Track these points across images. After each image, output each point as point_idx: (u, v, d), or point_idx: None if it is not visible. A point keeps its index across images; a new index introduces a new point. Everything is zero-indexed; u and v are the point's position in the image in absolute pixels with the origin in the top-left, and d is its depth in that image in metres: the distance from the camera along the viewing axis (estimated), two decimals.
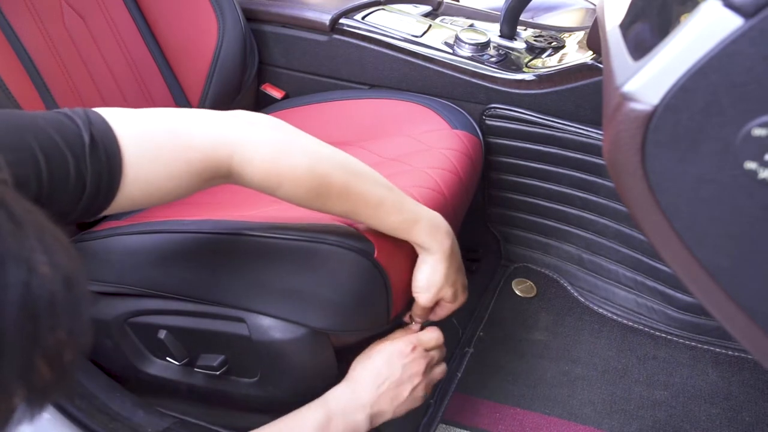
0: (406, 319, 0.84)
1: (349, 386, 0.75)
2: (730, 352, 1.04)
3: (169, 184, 0.59)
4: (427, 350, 0.80)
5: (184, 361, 0.83)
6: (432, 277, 0.77)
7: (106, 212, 0.58)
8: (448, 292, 0.79)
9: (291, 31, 1.21)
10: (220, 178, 0.63)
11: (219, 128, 0.62)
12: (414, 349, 0.78)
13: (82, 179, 0.53)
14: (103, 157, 0.54)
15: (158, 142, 0.58)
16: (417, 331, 0.81)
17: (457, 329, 1.11)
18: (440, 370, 0.82)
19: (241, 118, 0.65)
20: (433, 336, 0.81)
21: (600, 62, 0.97)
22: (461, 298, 0.82)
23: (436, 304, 0.82)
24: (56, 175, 0.51)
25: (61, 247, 0.34)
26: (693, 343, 1.07)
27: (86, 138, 0.53)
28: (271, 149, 0.63)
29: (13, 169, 0.48)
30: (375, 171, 0.72)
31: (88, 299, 0.35)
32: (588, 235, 1.13)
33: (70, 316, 0.33)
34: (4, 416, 0.31)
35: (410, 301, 0.83)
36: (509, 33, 1.15)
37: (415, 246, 0.76)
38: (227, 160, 0.62)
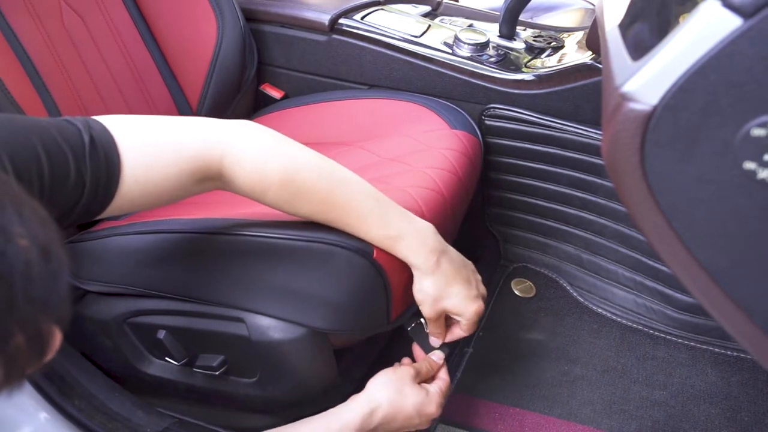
0: (433, 339, 0.82)
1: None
2: (729, 352, 1.04)
3: (165, 185, 0.61)
4: (425, 379, 0.79)
5: (183, 361, 0.83)
6: (421, 293, 0.76)
7: (104, 214, 0.59)
8: (449, 302, 0.76)
9: (290, 31, 1.21)
10: (211, 180, 0.65)
11: (211, 132, 0.65)
12: (411, 381, 0.76)
13: (81, 179, 0.54)
14: (102, 157, 0.56)
15: (154, 144, 0.60)
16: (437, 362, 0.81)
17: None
18: (434, 406, 0.77)
19: (232, 125, 0.67)
20: (423, 363, 0.80)
21: (599, 62, 0.97)
22: (471, 309, 0.77)
23: (451, 322, 0.81)
24: (57, 174, 0.52)
25: (39, 220, 0.34)
26: (692, 343, 1.07)
27: (86, 139, 0.55)
28: (259, 152, 0.66)
29: (18, 167, 0.49)
30: (364, 181, 0.72)
31: (65, 271, 0.35)
32: (587, 235, 1.13)
33: (46, 286, 0.33)
34: None
35: (412, 303, 0.83)
36: (508, 33, 1.15)
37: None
38: (218, 161, 0.64)
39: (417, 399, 0.75)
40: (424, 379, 0.80)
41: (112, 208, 0.59)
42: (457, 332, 0.81)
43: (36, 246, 0.33)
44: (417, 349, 0.84)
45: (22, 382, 0.35)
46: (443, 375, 0.82)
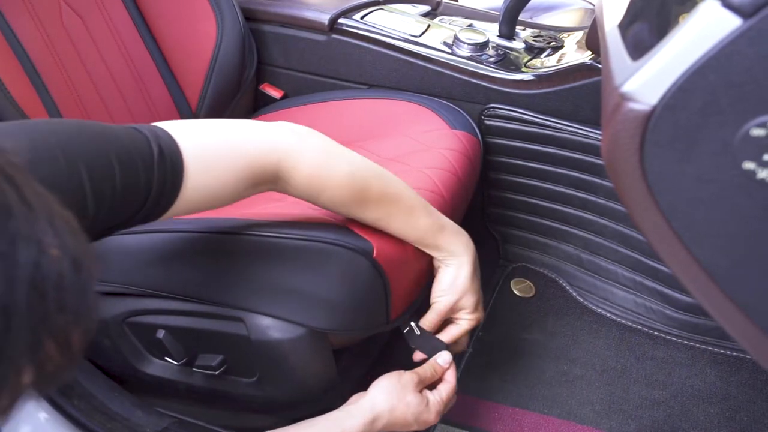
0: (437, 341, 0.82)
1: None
2: (728, 352, 1.04)
3: (223, 190, 0.63)
4: (429, 384, 0.79)
5: (183, 361, 0.83)
6: (456, 281, 0.77)
7: (166, 217, 0.60)
8: (469, 300, 0.79)
9: (290, 31, 1.21)
10: (267, 183, 0.67)
11: (268, 136, 0.66)
12: (414, 388, 0.76)
13: (148, 187, 0.56)
14: (169, 166, 0.57)
15: (215, 150, 0.62)
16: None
17: None
18: (433, 415, 0.77)
19: (287, 128, 0.68)
20: (426, 368, 0.79)
21: (599, 62, 0.97)
22: (479, 314, 0.82)
23: (450, 322, 0.81)
24: (128, 184, 0.54)
25: (71, 231, 0.35)
26: (691, 343, 1.07)
27: (155, 149, 0.56)
28: (316, 156, 0.68)
29: (94, 178, 0.51)
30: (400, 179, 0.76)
31: (95, 282, 0.36)
32: (587, 235, 1.13)
33: (77, 297, 0.34)
34: (13, 394, 0.32)
35: (412, 303, 0.83)
36: (508, 33, 1.15)
37: (436, 251, 0.78)
38: (275, 166, 0.65)
39: (418, 408, 0.75)
40: (428, 383, 0.79)
41: (175, 211, 0.60)
42: (455, 331, 0.81)
43: (68, 257, 0.34)
44: (417, 354, 0.83)
45: (53, 388, 0.36)
46: (450, 378, 0.81)
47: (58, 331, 0.33)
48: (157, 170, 0.56)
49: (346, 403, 0.75)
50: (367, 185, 0.71)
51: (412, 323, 0.81)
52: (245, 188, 0.65)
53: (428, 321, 0.80)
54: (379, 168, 0.74)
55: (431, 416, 0.76)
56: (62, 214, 0.35)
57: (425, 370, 0.79)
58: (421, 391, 0.77)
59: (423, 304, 0.83)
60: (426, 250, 0.78)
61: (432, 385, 0.80)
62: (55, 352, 0.33)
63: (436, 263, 0.80)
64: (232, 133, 0.64)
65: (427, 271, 0.81)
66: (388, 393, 0.74)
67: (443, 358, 0.81)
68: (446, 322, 0.82)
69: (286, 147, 0.66)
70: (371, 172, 0.72)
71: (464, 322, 0.81)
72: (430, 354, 0.81)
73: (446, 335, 0.82)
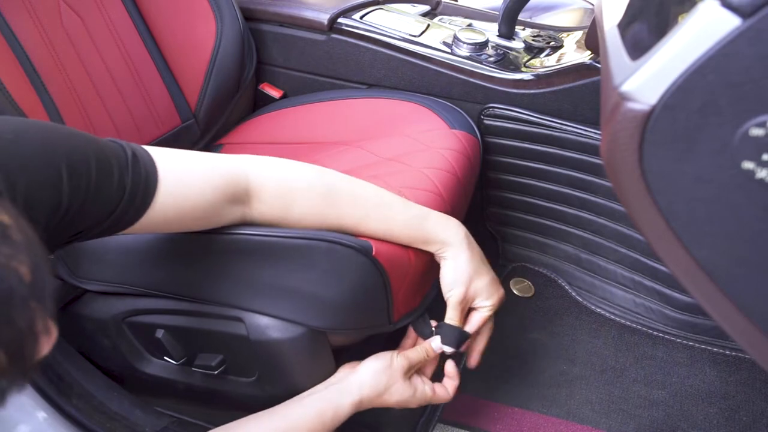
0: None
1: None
2: (727, 352, 1.05)
3: (200, 200, 0.65)
4: (415, 367, 0.79)
5: (182, 360, 0.83)
6: (457, 272, 0.77)
7: (136, 228, 0.61)
8: (479, 285, 0.78)
9: (289, 31, 1.21)
10: (239, 203, 0.69)
11: (236, 158, 0.70)
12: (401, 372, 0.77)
13: (122, 185, 0.57)
14: (142, 169, 0.59)
15: (188, 165, 0.65)
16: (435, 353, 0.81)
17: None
18: (415, 404, 0.80)
19: (252, 156, 0.73)
20: (419, 350, 0.80)
21: (598, 62, 0.97)
22: (497, 295, 0.81)
23: (471, 311, 0.81)
24: (102, 182, 0.56)
25: (24, 240, 0.35)
26: (690, 343, 1.07)
27: (129, 153, 0.59)
28: (281, 168, 0.72)
29: (70, 164, 0.52)
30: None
31: (50, 291, 0.36)
32: (586, 235, 1.13)
33: (28, 308, 0.34)
34: None
35: (418, 305, 0.83)
36: (507, 33, 1.15)
37: (430, 245, 0.77)
38: (245, 181, 0.68)
39: (402, 397, 0.77)
40: (418, 367, 0.80)
41: (145, 222, 0.61)
42: (477, 319, 0.81)
43: (20, 268, 0.33)
44: (410, 339, 0.84)
45: (5, 399, 0.36)
46: (451, 370, 0.83)
47: (9, 343, 0.33)
48: (131, 172, 0.58)
49: (336, 377, 0.78)
50: (335, 186, 0.72)
51: (432, 321, 0.81)
52: (221, 203, 0.66)
53: (450, 318, 0.80)
54: (342, 173, 0.75)
55: (413, 405, 0.79)
56: (18, 223, 0.35)
57: (417, 353, 0.80)
58: (411, 377, 0.78)
59: (435, 305, 0.83)
60: (421, 247, 0.78)
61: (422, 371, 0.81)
62: (6, 363, 0.33)
63: (437, 259, 0.79)
64: (202, 155, 0.68)
65: (430, 270, 0.81)
66: (377, 378, 0.76)
67: (436, 342, 0.81)
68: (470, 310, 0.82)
69: (254, 163, 0.70)
70: (336, 175, 0.74)
71: (484, 309, 0.81)
72: (458, 346, 0.81)
73: (470, 326, 0.81)
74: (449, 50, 1.11)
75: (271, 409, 0.74)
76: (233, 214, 0.69)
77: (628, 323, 1.11)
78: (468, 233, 0.80)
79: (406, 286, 0.78)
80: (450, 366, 0.84)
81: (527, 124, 1.06)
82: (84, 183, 0.54)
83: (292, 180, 0.71)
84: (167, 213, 0.62)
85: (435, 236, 0.77)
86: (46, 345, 0.36)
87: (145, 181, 0.59)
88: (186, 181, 0.63)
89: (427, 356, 0.81)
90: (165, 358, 0.84)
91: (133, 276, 0.79)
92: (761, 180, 0.37)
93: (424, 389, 0.80)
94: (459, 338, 0.80)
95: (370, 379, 0.76)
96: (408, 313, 0.81)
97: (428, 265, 0.80)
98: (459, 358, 1.08)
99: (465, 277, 0.77)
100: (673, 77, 0.38)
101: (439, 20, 1.24)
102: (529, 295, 1.19)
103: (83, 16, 1.04)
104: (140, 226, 0.61)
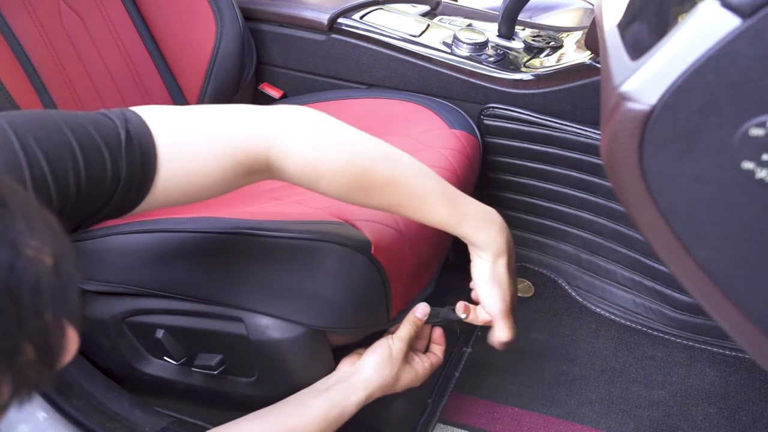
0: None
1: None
2: (727, 352, 1.04)
3: (206, 180, 0.59)
4: (410, 345, 0.79)
5: (182, 360, 0.83)
6: (497, 276, 0.74)
7: (136, 211, 0.57)
8: (511, 293, 0.76)
9: (289, 31, 1.21)
10: (259, 173, 0.63)
11: (256, 123, 0.62)
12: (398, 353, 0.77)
13: (116, 175, 0.53)
14: (138, 152, 0.54)
15: (195, 138, 0.58)
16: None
17: (455, 329, 1.11)
18: (418, 383, 0.80)
19: (279, 113, 0.64)
20: (407, 326, 0.79)
21: (598, 62, 0.97)
22: (512, 304, 0.79)
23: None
24: (93, 172, 0.51)
25: (49, 231, 0.33)
26: (690, 343, 1.07)
27: (122, 134, 0.53)
28: (309, 142, 0.63)
29: (54, 166, 0.48)
30: (422, 164, 0.70)
31: (75, 283, 0.35)
32: (586, 235, 1.13)
33: (56, 300, 0.33)
34: None
35: (413, 299, 0.83)
36: (507, 33, 1.15)
37: (465, 241, 0.74)
38: (264, 154, 0.61)
39: (407, 381, 0.78)
40: (413, 345, 0.81)
41: (146, 206, 0.57)
42: (483, 316, 0.79)
43: (46, 258, 0.32)
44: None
45: (33, 395, 0.35)
46: (438, 336, 0.84)
47: (37, 336, 0.32)
48: (125, 158, 0.53)
49: (337, 374, 0.77)
50: (369, 171, 0.65)
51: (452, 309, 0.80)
52: (235, 177, 0.61)
53: (503, 326, 0.79)
54: (391, 150, 0.68)
55: (417, 383, 0.80)
56: (41, 213, 0.34)
57: (406, 329, 0.79)
58: (410, 359, 0.79)
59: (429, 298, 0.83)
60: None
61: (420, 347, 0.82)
62: (34, 355, 0.32)
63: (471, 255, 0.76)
64: (213, 119, 0.60)
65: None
66: (381, 372, 0.76)
67: (421, 310, 0.79)
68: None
69: (276, 134, 0.62)
70: (377, 156, 0.66)
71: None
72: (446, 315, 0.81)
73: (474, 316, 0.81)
74: (449, 50, 1.11)
75: (274, 407, 0.73)
76: (255, 180, 0.64)
77: (628, 323, 1.11)
78: (509, 241, 0.75)
79: (403, 280, 0.78)
80: (437, 333, 0.85)
81: (527, 124, 1.06)
82: (72, 182, 0.50)
83: (320, 159, 0.63)
84: (169, 195, 0.57)
85: (469, 237, 0.72)
86: (74, 340, 0.35)
87: (142, 168, 0.54)
88: (189, 155, 0.57)
89: (416, 327, 0.79)
90: (165, 358, 0.84)
91: (133, 276, 0.79)
92: (761, 180, 0.37)
93: (423, 366, 0.80)
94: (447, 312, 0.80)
95: (374, 374, 0.76)
96: (405, 308, 0.81)
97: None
98: (459, 358, 1.08)
99: (504, 284, 0.75)
100: (673, 77, 0.38)
101: (439, 20, 1.24)
102: (529, 295, 1.19)
103: (83, 16, 1.04)
104: (142, 209, 0.57)
